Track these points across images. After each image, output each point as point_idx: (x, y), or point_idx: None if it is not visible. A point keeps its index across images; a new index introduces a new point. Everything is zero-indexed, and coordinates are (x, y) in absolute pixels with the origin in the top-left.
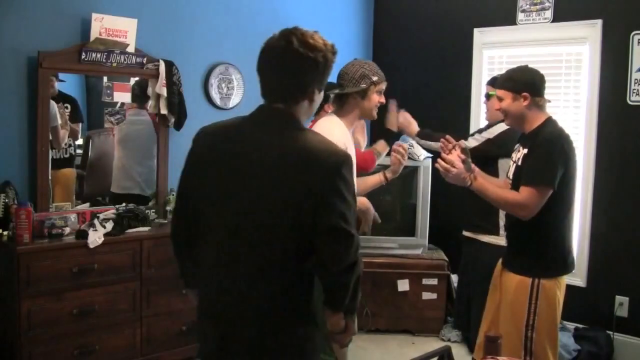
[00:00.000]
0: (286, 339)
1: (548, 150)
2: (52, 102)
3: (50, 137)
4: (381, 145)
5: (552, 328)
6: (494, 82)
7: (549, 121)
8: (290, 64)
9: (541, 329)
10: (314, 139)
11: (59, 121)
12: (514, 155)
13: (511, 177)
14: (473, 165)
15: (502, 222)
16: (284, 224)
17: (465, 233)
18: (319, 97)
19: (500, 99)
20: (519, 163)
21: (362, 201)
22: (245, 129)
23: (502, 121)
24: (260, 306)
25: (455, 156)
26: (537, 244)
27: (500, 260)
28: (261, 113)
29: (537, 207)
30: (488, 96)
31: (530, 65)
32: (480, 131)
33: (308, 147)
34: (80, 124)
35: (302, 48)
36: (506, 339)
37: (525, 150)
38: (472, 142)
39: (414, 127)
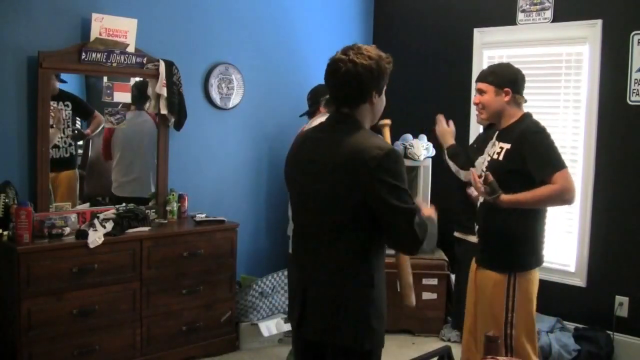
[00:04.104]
0: (350, 290)
1: (544, 139)
2: None
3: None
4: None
5: (530, 323)
6: None
7: (527, 116)
8: (349, 75)
9: (519, 325)
10: (365, 137)
11: (50, 122)
12: (487, 149)
13: (485, 170)
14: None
15: None
16: (340, 207)
17: (456, 234)
18: (379, 100)
19: (482, 92)
20: (499, 157)
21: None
22: (320, 133)
23: (493, 124)
24: (329, 267)
25: (478, 185)
26: (513, 239)
27: (474, 259)
28: (332, 118)
29: (575, 187)
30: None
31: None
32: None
33: (358, 143)
34: (94, 114)
35: (358, 58)
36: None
37: (508, 146)
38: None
39: (450, 138)
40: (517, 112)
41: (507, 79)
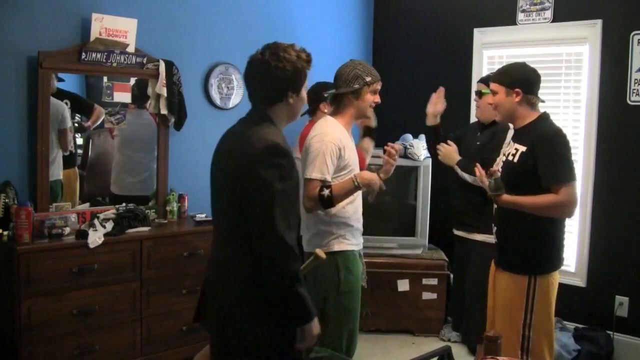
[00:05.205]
0: (242, 286)
1: (559, 147)
2: (63, 105)
3: (57, 140)
4: (366, 142)
5: (549, 325)
6: (486, 80)
7: (544, 118)
8: (264, 74)
9: (538, 327)
10: (261, 131)
11: (69, 124)
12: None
13: (500, 169)
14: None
15: None
16: (233, 206)
17: (457, 232)
18: (296, 100)
19: (494, 93)
20: (514, 159)
21: (363, 175)
22: (232, 129)
23: (494, 122)
24: (227, 277)
25: (482, 179)
26: (533, 241)
27: (493, 261)
28: (247, 113)
29: (577, 202)
30: (480, 94)
31: (530, 65)
32: (487, 139)
33: (249, 137)
34: (94, 107)
35: (273, 60)
36: (504, 340)
37: (524, 148)
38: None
39: (456, 155)
40: (530, 113)
41: (518, 79)
